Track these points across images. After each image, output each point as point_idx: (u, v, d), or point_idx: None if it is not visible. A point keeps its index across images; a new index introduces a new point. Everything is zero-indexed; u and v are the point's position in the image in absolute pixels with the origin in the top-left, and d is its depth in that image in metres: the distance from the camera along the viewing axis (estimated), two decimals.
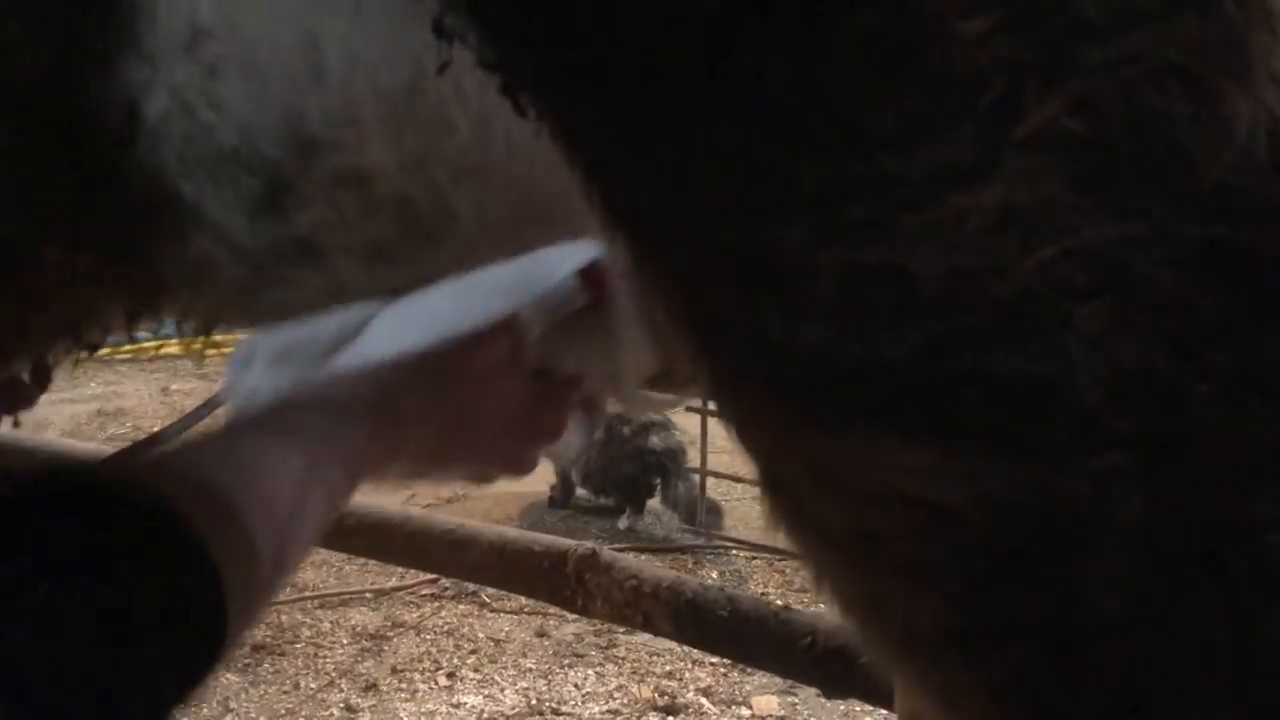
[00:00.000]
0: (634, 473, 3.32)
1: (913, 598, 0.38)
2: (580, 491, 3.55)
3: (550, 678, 2.46)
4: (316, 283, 0.57)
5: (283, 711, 2.29)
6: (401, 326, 0.54)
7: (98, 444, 2.78)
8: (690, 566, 3.03)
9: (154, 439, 0.77)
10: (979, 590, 0.37)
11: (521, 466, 0.57)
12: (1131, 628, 0.36)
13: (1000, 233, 0.33)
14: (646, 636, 2.05)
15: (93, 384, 4.51)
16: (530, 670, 2.48)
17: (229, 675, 2.30)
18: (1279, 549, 0.36)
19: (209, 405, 0.79)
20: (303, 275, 0.57)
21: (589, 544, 1.42)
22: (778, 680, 2.21)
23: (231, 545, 0.35)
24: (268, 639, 2.48)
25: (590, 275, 0.54)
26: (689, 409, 3.08)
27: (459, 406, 0.52)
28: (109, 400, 4.45)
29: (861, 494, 0.37)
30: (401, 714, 2.30)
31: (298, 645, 2.53)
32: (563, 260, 0.55)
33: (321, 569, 2.86)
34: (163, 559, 0.32)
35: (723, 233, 0.35)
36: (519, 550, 1.41)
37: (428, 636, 2.63)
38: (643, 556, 3.10)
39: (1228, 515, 0.36)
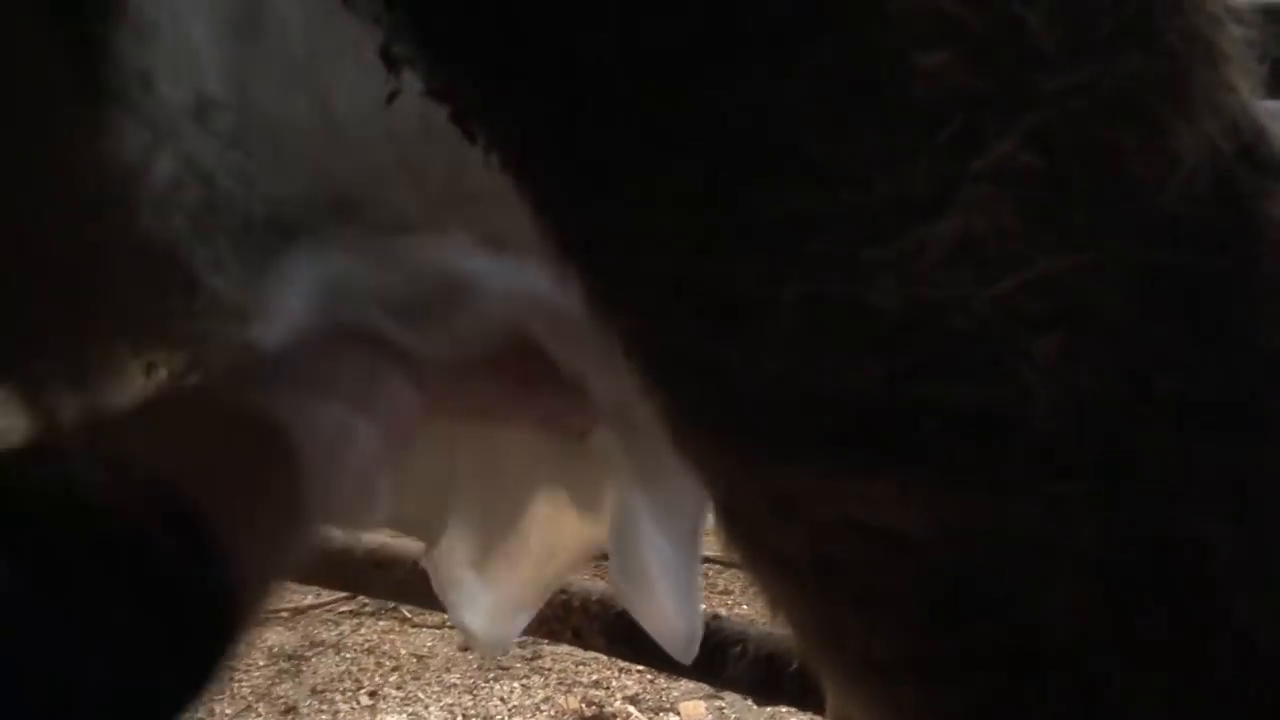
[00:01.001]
0: None
1: (872, 625, 0.38)
2: None
3: (475, 693, 2.43)
4: None
5: None
6: None
7: None
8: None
9: None
10: (938, 618, 0.37)
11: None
12: (1087, 651, 0.36)
13: (957, 264, 0.33)
14: (572, 645, 2.05)
15: None
16: (455, 686, 2.45)
17: None
18: (1223, 567, 0.37)
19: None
20: None
21: None
22: (705, 686, 2.22)
23: (270, 479, 0.33)
24: None
25: None
26: None
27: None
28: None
29: (821, 524, 0.37)
30: None
31: None
32: None
33: None
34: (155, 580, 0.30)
35: (680, 266, 0.35)
36: None
37: (348, 655, 2.58)
38: None
39: (1176, 536, 0.37)
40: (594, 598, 1.34)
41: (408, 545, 1.49)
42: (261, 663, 2.50)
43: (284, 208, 0.50)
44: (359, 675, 2.47)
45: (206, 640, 0.31)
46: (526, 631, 1.51)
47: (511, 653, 2.57)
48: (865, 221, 0.33)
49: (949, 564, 0.36)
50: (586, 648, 1.42)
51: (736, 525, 0.39)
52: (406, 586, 1.41)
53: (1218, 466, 0.37)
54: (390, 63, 0.37)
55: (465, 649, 2.56)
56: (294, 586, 2.71)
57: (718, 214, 0.33)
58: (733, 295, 0.34)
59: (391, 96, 0.38)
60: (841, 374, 0.34)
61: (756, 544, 0.39)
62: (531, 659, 2.55)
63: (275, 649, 2.56)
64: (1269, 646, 0.37)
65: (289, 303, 0.48)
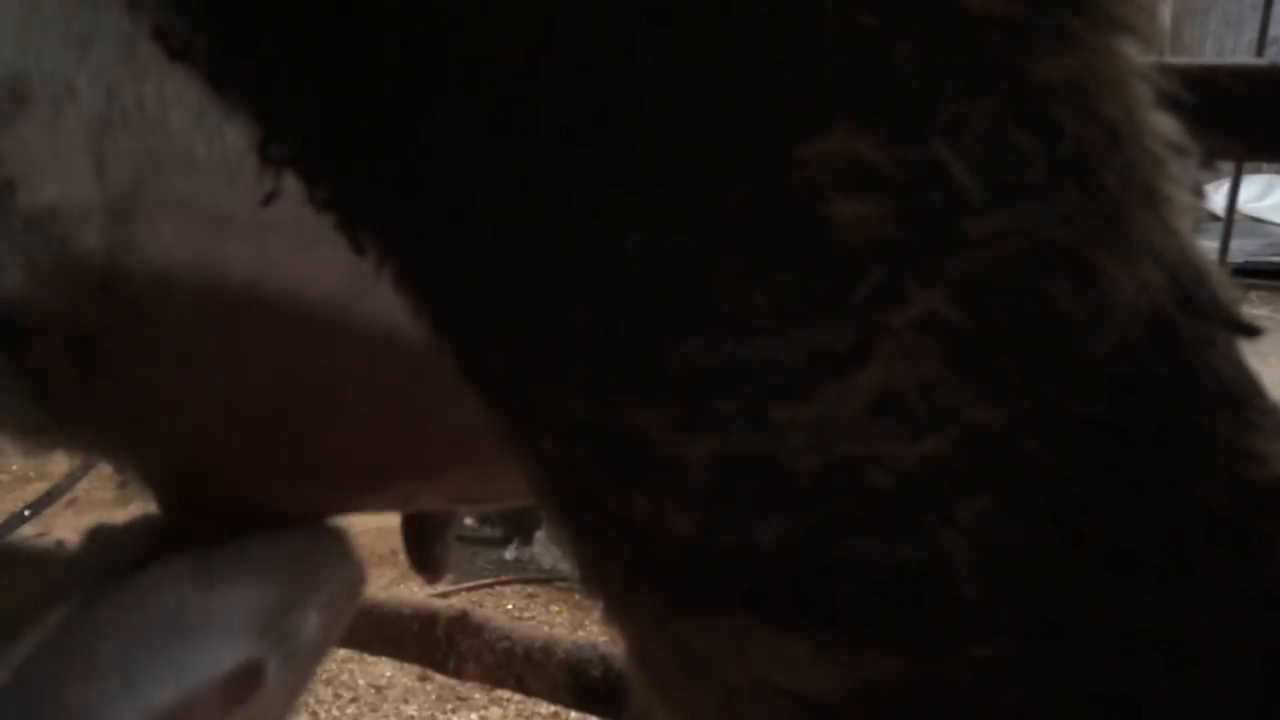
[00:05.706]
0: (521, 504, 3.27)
1: None
2: (467, 522, 3.48)
3: None
4: (14, 377, 0.48)
5: None
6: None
7: None
8: (577, 599, 3.00)
9: None
10: None
11: None
12: None
13: (878, 419, 0.31)
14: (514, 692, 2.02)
15: None
16: (413, 717, 2.41)
17: None
18: (1154, 717, 0.35)
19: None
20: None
21: (459, 605, 1.38)
22: None
23: None
24: None
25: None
26: None
27: None
28: None
29: (734, 685, 0.34)
30: None
31: None
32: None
33: None
34: None
35: (584, 411, 0.32)
36: (386, 613, 1.35)
37: None
38: (529, 588, 3.06)
39: (1106, 691, 0.35)
40: (536, 645, 1.32)
41: None
42: None
43: None
44: (315, 708, 2.41)
45: None
46: (472, 680, 1.49)
47: (470, 683, 2.53)
48: (779, 375, 0.30)
49: None
50: (528, 694, 1.39)
51: (648, 675, 0.37)
52: (353, 631, 1.38)
53: (1149, 618, 0.35)
54: (269, 163, 0.34)
55: (423, 679, 2.51)
56: None
57: (620, 364, 0.31)
58: (639, 448, 0.32)
59: (269, 198, 0.35)
60: (754, 531, 0.32)
61: (668, 699, 0.36)
62: (491, 689, 2.51)
63: None
64: None
65: None
